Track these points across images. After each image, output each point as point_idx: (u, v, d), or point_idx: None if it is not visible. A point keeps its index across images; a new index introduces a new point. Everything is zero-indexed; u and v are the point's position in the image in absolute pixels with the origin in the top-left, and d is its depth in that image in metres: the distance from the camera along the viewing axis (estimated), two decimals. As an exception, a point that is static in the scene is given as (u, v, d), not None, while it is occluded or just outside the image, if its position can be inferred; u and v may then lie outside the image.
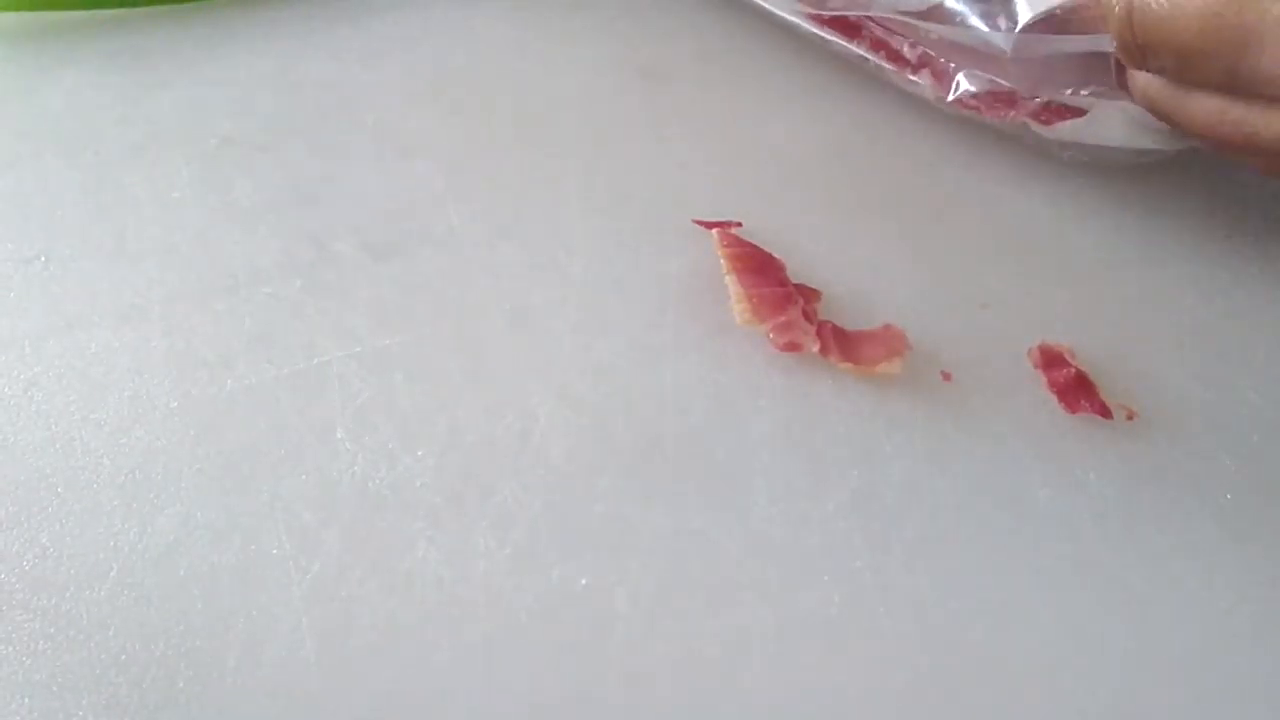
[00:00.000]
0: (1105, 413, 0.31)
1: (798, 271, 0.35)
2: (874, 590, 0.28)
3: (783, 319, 0.33)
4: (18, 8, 0.43)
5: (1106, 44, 0.33)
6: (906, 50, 0.38)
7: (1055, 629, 0.27)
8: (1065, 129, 0.36)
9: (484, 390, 0.31)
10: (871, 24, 0.39)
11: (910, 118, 0.40)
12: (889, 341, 0.33)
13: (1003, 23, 0.36)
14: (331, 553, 0.28)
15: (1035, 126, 0.36)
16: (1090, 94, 0.35)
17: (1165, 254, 0.36)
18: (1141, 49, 0.30)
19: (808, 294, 0.34)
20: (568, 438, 0.30)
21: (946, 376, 0.33)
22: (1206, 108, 0.30)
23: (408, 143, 0.39)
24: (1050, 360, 0.33)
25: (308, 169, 0.38)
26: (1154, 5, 0.29)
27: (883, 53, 0.39)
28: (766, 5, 0.41)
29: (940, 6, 0.37)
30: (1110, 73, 0.35)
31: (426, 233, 0.36)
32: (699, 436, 0.31)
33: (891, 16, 0.38)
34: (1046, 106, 0.36)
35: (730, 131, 0.40)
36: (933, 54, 0.38)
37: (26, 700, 0.25)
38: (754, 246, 0.35)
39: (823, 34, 0.40)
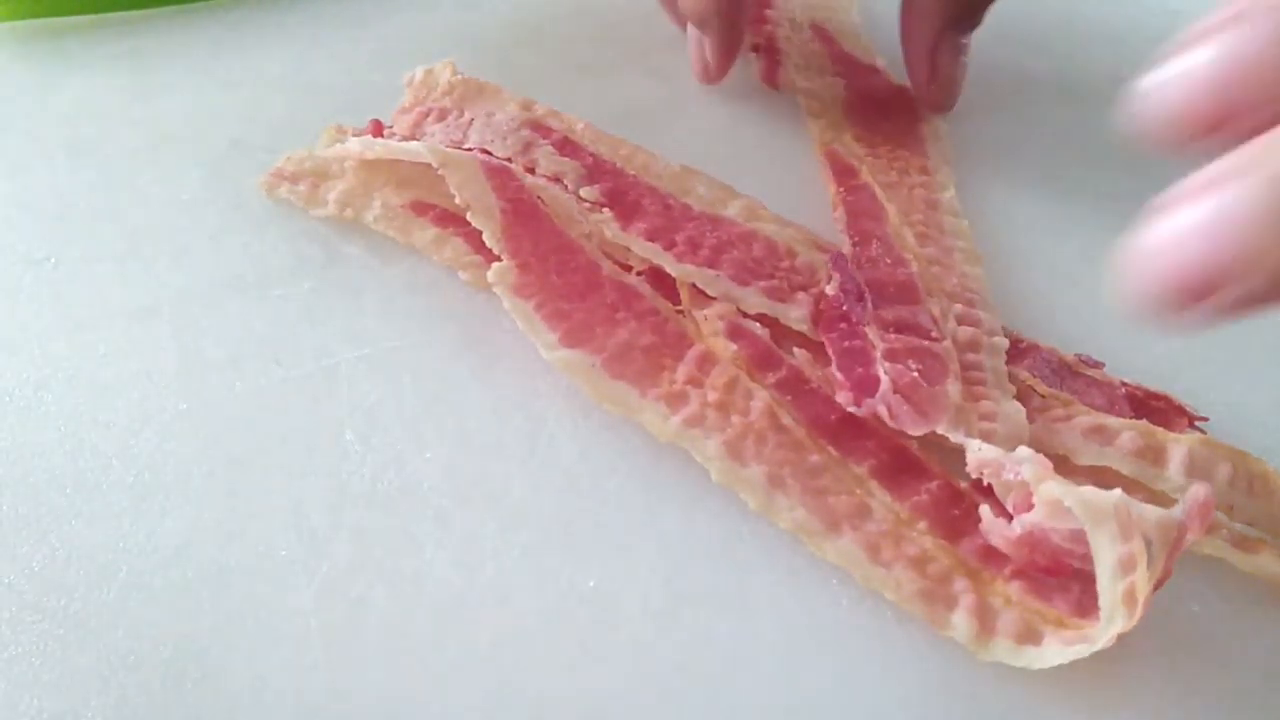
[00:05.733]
0: None
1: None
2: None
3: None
4: (25, 14, 0.43)
5: None
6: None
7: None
8: None
9: (493, 391, 0.31)
10: None
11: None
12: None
13: None
14: (340, 554, 0.28)
15: None
16: None
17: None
18: None
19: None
20: (576, 439, 0.30)
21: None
22: None
23: (416, 145, 0.39)
24: None
25: (317, 171, 0.38)
26: None
27: None
28: None
29: None
30: None
31: (435, 234, 0.36)
32: (708, 438, 0.31)
33: None
34: None
35: (733, 129, 0.40)
36: None
37: (35, 701, 0.25)
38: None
39: None
